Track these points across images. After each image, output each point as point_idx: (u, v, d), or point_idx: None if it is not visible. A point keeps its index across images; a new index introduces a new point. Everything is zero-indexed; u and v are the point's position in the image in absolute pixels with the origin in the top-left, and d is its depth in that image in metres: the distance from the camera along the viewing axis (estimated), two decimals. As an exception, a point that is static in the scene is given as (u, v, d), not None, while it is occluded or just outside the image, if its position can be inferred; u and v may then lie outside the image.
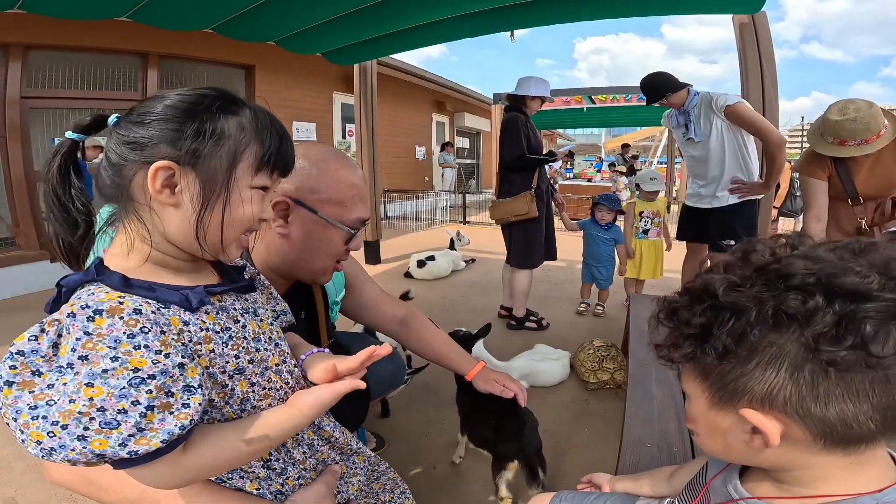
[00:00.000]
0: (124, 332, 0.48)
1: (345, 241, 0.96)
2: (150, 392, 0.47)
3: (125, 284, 0.53)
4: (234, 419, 0.60)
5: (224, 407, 0.60)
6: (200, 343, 0.55)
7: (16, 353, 0.46)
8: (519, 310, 2.96)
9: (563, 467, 1.63)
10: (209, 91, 0.59)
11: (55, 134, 4.14)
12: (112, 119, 0.57)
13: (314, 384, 0.68)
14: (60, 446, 0.44)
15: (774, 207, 4.20)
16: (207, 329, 0.57)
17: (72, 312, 0.48)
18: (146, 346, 0.48)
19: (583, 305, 3.35)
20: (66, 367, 0.46)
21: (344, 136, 7.49)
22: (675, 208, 8.15)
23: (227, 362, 0.59)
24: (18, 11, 2.33)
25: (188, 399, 0.50)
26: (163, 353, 0.49)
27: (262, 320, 0.67)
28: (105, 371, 0.46)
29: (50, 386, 0.46)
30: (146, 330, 0.49)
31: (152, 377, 0.47)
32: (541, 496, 0.89)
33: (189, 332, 0.54)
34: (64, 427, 0.44)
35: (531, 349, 2.42)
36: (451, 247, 4.71)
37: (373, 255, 4.79)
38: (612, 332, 2.75)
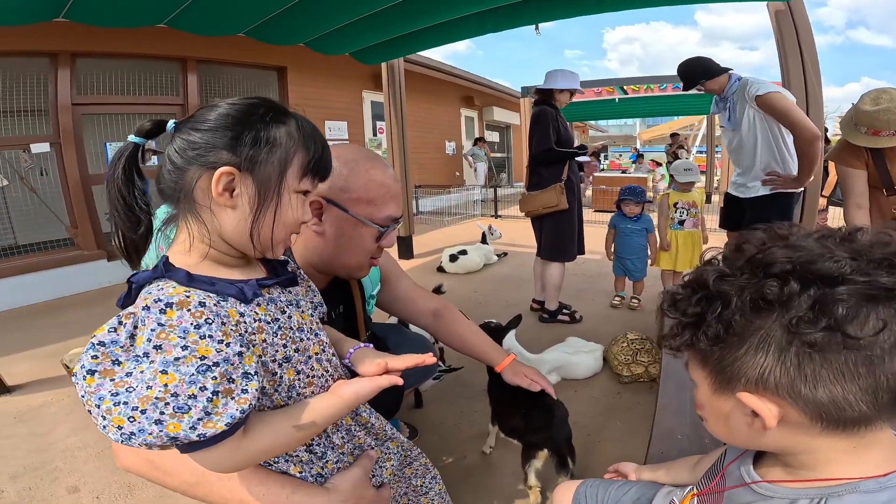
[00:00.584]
0: (192, 323, 0.52)
1: (376, 239, 0.98)
2: (215, 378, 0.51)
3: (189, 280, 0.58)
4: (282, 406, 0.65)
5: (273, 394, 0.65)
6: (254, 333, 0.60)
7: (97, 344, 0.51)
8: (551, 303, 2.95)
9: (594, 460, 1.63)
10: (259, 101, 0.64)
11: (106, 139, 4.38)
12: (171, 125, 0.62)
13: (355, 374, 0.74)
14: (140, 430, 0.49)
15: (823, 196, 3.97)
16: (260, 320, 0.61)
17: (146, 306, 0.52)
18: (210, 336, 0.52)
19: (617, 299, 3.29)
20: (142, 356, 0.50)
21: (375, 134, 7.61)
22: (716, 198, 7.87)
23: (277, 351, 0.63)
24: (63, 20, 2.47)
25: (246, 385, 0.54)
26: (224, 343, 0.53)
27: (303, 311, 0.71)
28: (177, 359, 0.50)
29: (128, 374, 0.50)
30: (210, 321, 0.53)
31: (216, 364, 0.52)
32: (568, 483, 0.90)
33: (245, 322, 0.59)
34: (143, 412, 0.48)
35: (563, 342, 2.41)
36: (483, 241, 4.72)
37: (405, 250, 4.86)
38: (647, 326, 2.70)
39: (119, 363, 0.50)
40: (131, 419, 0.49)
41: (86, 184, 4.20)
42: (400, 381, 0.71)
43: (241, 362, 0.54)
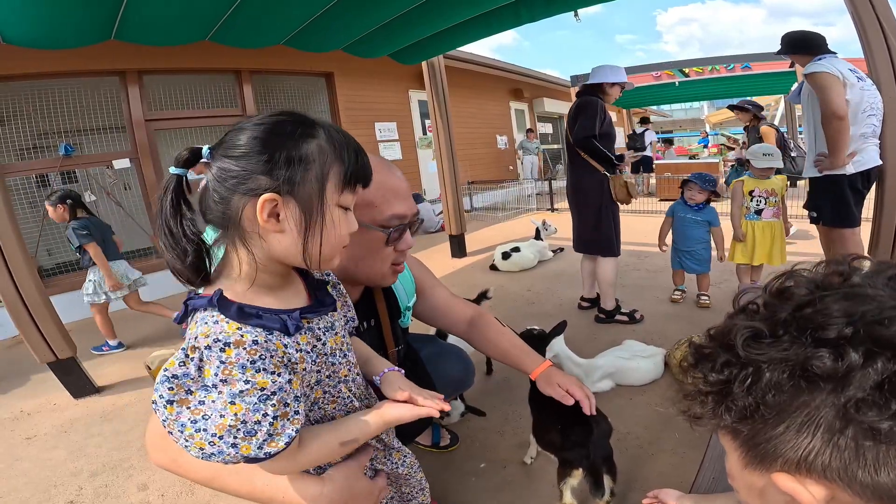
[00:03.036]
0: (248, 360, 0.58)
1: (385, 242, 0.95)
2: (274, 405, 0.59)
3: (240, 315, 0.61)
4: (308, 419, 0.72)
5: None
6: (297, 363, 0.65)
7: (171, 377, 0.57)
8: (608, 301, 2.78)
9: (644, 473, 1.51)
10: (283, 117, 0.64)
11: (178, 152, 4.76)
12: (205, 152, 0.63)
13: (381, 394, 0.80)
14: (219, 452, 0.58)
15: None
16: (301, 350, 0.66)
17: (208, 345, 0.58)
18: (265, 370, 0.59)
19: (677, 293, 3.06)
20: (211, 386, 0.57)
21: (424, 133, 7.66)
22: (801, 182, 7.11)
23: (311, 376, 0.69)
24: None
25: (298, 407, 0.62)
26: (277, 374, 0.60)
27: (336, 333, 0.74)
28: (241, 392, 0.57)
29: (201, 402, 0.58)
30: (263, 357, 0.59)
31: (274, 393, 0.59)
32: None
33: (289, 353, 0.63)
34: (220, 437, 0.57)
35: (619, 346, 2.27)
36: (537, 237, 4.58)
37: (458, 248, 4.83)
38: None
39: (191, 392, 0.58)
40: (211, 444, 0.57)
41: (164, 196, 4.58)
42: (447, 408, 0.76)
43: (291, 388, 0.62)
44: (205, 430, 0.57)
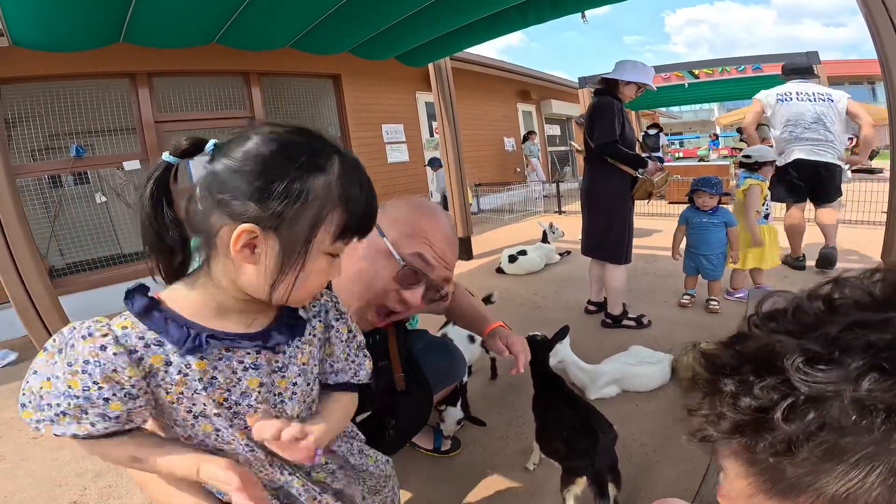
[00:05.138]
0: (83, 358, 0.55)
1: (394, 276, 0.92)
2: (70, 404, 0.55)
3: (145, 314, 0.58)
4: (188, 440, 0.65)
5: (184, 436, 0.65)
6: (172, 384, 0.59)
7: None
8: (615, 307, 2.75)
9: (650, 481, 1.48)
10: (301, 139, 0.59)
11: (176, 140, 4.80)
12: (209, 147, 0.59)
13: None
14: (21, 404, 0.59)
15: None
16: (186, 375, 0.60)
17: (86, 327, 0.57)
18: (88, 374, 0.55)
19: (686, 297, 3.02)
20: (56, 351, 0.57)
21: (431, 135, 7.66)
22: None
23: (195, 404, 0.62)
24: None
25: (95, 421, 0.57)
26: (97, 386, 0.55)
27: (266, 377, 0.65)
28: (56, 375, 0.56)
29: (48, 362, 0.58)
30: (100, 363, 0.55)
31: (77, 397, 0.55)
32: None
33: (163, 371, 0.59)
34: (28, 393, 0.58)
35: (626, 351, 2.24)
36: (545, 239, 4.55)
37: (464, 251, 4.82)
38: (724, 334, 2.41)
39: (47, 351, 0.59)
40: (24, 393, 0.59)
41: (174, 197, 4.62)
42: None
43: (104, 406, 0.56)
44: (30, 385, 0.58)
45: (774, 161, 2.99)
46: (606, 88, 2.60)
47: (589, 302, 3.01)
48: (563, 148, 12.05)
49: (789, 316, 0.37)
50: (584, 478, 1.11)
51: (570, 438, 1.17)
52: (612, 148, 2.51)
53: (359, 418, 1.32)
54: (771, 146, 3.54)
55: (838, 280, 0.37)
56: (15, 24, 2.15)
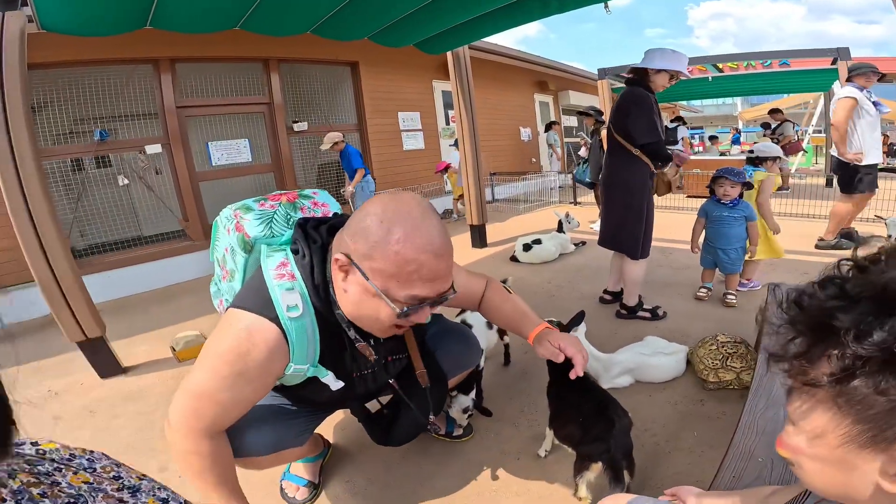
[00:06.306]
0: None
1: (396, 316, 0.89)
2: None
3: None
4: None
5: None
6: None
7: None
8: (630, 298, 2.72)
9: (661, 471, 1.48)
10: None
11: (207, 138, 4.84)
12: None
13: None
14: None
15: None
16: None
17: None
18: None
19: (703, 290, 2.98)
20: None
21: (447, 123, 7.62)
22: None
23: None
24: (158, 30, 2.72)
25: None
26: None
27: None
28: None
29: None
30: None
31: None
32: (617, 497, 0.82)
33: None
34: None
35: (641, 342, 2.22)
36: (560, 229, 4.52)
37: (478, 239, 4.82)
38: (741, 327, 2.40)
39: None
40: None
41: (193, 180, 4.68)
42: None
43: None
44: None
45: (778, 157, 3.06)
46: (637, 78, 2.47)
47: (605, 291, 2.99)
48: (578, 139, 11.90)
49: (884, 262, 0.37)
50: (599, 463, 1.11)
51: (585, 423, 1.17)
52: (657, 146, 2.43)
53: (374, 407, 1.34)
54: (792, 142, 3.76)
55: None
56: (45, 9, 2.18)
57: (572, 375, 1.07)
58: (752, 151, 3.11)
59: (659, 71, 2.41)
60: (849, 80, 3.79)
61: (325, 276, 0.97)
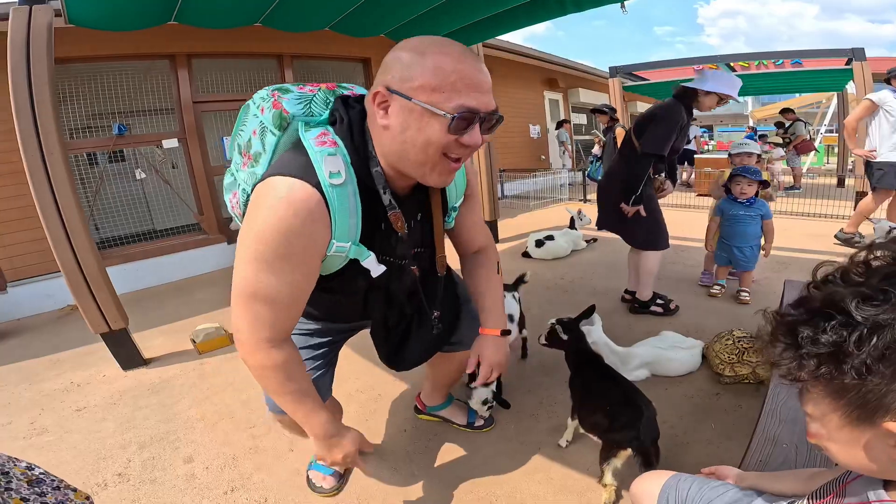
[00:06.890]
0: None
1: (446, 130, 0.85)
2: None
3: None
4: None
5: None
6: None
7: None
8: (644, 292, 2.74)
9: (680, 463, 1.50)
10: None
11: (222, 133, 4.88)
12: None
13: None
14: None
15: None
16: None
17: None
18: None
19: (717, 287, 2.99)
20: None
21: (456, 119, 7.62)
22: (850, 182, 6.86)
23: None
24: (177, 25, 2.76)
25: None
26: None
27: None
28: None
29: None
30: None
31: None
32: (653, 473, 0.85)
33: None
34: None
35: (657, 336, 2.24)
36: (572, 226, 4.53)
37: (491, 234, 4.84)
38: (755, 323, 2.40)
39: None
40: None
41: (209, 174, 4.73)
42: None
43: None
44: None
45: (754, 153, 3.03)
46: (683, 95, 2.48)
47: (626, 291, 2.99)
48: (588, 137, 11.87)
49: (839, 277, 0.46)
50: (628, 450, 1.14)
51: (613, 412, 1.19)
52: (647, 160, 2.47)
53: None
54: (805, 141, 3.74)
55: (871, 245, 0.46)
56: (74, 3, 2.22)
57: (476, 383, 1.18)
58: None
59: (709, 93, 2.41)
60: (886, 81, 3.78)
61: (363, 135, 0.94)
